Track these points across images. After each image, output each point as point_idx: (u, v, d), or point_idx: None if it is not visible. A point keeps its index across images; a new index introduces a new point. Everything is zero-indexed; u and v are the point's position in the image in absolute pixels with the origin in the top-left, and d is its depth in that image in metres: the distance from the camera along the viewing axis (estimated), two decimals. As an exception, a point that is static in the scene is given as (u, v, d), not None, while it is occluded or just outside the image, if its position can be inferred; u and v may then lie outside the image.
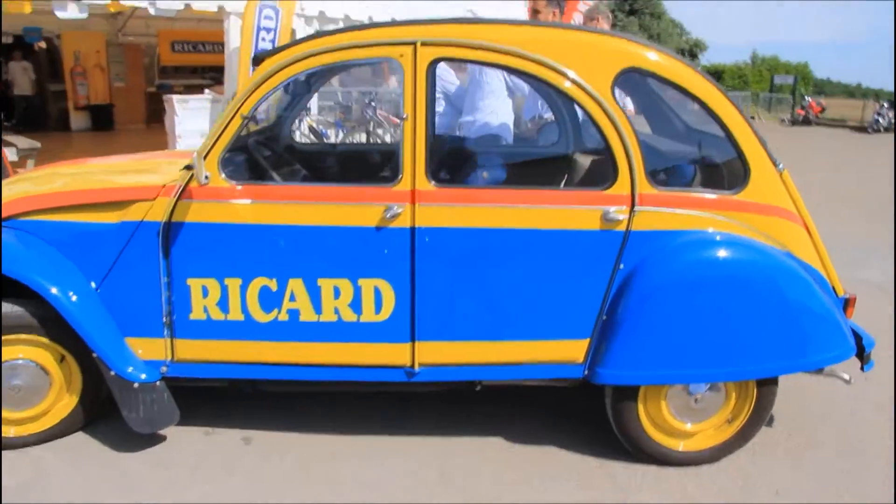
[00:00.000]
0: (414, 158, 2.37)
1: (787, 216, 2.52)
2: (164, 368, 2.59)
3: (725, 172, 2.55)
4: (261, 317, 2.49)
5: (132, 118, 12.97)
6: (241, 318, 2.50)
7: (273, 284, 2.47)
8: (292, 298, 2.47)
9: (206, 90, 9.45)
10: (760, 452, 2.72)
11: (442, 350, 2.49)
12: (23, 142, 7.37)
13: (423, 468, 2.61)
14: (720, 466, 2.63)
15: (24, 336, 2.54)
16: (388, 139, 9.13)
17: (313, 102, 9.12)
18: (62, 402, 2.68)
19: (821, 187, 8.96)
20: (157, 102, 13.65)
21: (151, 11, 7.20)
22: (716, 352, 2.42)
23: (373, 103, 9.10)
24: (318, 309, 2.47)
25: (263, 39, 8.08)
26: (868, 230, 6.69)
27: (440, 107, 3.86)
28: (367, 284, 2.45)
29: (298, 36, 8.94)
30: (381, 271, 2.44)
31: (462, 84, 4.33)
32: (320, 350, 2.51)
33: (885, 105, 20.38)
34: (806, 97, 24.98)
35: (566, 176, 3.32)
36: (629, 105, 4.00)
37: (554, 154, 3.48)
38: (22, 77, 12.36)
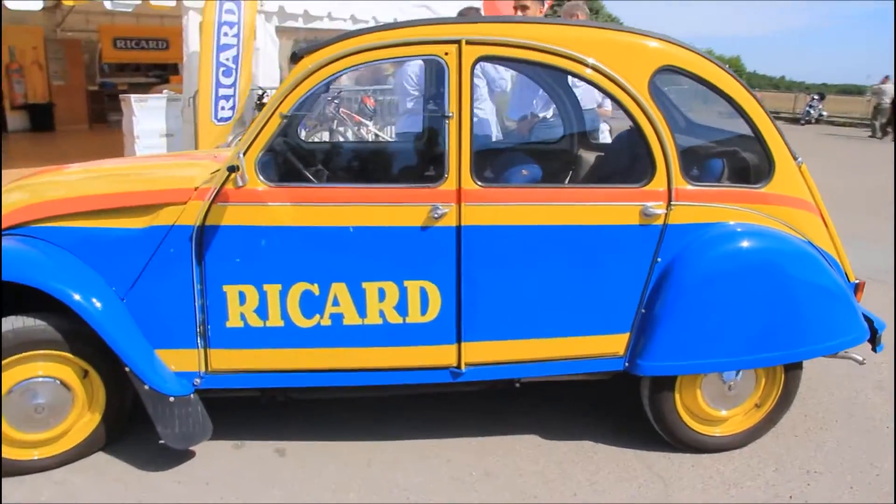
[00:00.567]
0: (459, 158, 2.36)
1: (807, 207, 2.64)
2: (197, 380, 2.49)
3: (751, 167, 2.64)
4: (302, 322, 2.43)
5: (74, 118, 12.34)
6: (281, 324, 2.43)
7: (315, 289, 2.41)
8: (335, 303, 2.42)
9: (165, 90, 9.10)
10: (783, 435, 2.84)
11: (488, 349, 2.49)
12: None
13: (466, 469, 2.60)
14: (750, 450, 2.73)
15: (42, 352, 2.39)
16: (350, 136, 9.04)
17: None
18: (83, 420, 2.53)
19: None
20: (100, 102, 13.07)
21: (108, 6, 6.87)
22: (750, 339, 2.51)
23: (336, 101, 8.98)
24: (362, 312, 2.43)
25: (226, 34, 7.84)
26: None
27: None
28: (413, 286, 2.42)
29: (260, 33, 8.73)
30: (426, 272, 2.42)
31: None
32: (364, 354, 2.47)
33: (816, 97, 21.50)
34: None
35: (571, 171, 3.39)
36: (606, 105, 4.11)
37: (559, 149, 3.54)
38: (-50, 75, 11.58)
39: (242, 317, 2.43)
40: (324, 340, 2.45)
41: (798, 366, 2.66)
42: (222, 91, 7.66)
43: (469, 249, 2.40)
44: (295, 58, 2.36)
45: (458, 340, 2.47)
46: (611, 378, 2.72)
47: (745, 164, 2.66)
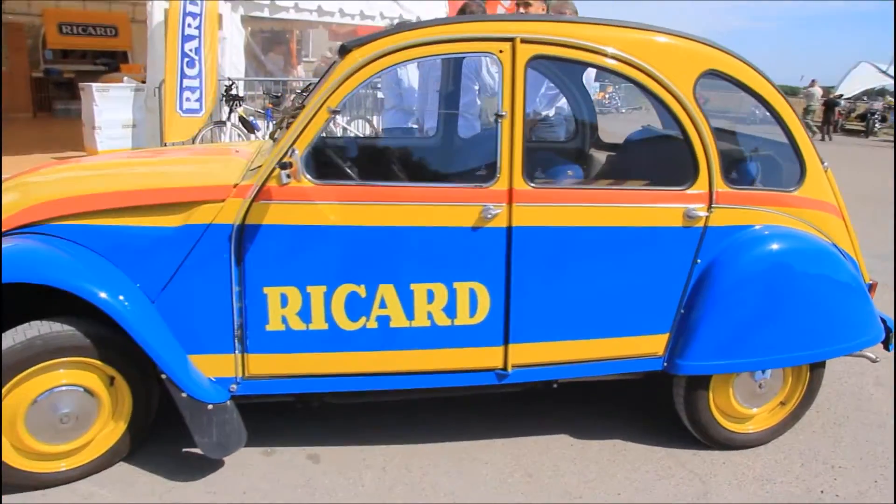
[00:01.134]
0: (511, 158, 2.33)
1: (832, 210, 2.73)
2: (233, 386, 2.38)
3: (783, 171, 2.71)
4: (347, 325, 2.35)
5: (17, 106, 11.66)
6: (325, 327, 2.34)
7: (362, 290, 2.33)
8: (382, 305, 2.35)
9: (126, 78, 8.69)
10: (801, 431, 2.93)
11: (533, 351, 2.48)
12: None
13: (506, 471, 2.58)
14: (775, 447, 2.81)
15: (68, 359, 2.23)
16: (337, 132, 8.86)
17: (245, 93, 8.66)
18: (107, 429, 2.38)
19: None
20: (44, 90, 12.39)
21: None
22: (784, 338, 2.58)
23: (304, 94, 8.79)
24: (410, 314, 2.37)
25: (189, 25, 7.58)
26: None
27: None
28: (463, 287, 2.38)
29: (226, 22, 8.45)
30: (476, 273, 2.38)
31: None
32: (410, 357, 2.41)
33: None
34: None
35: (584, 171, 3.40)
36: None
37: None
38: None
39: (284, 320, 2.33)
40: (369, 343, 2.38)
41: (822, 364, 2.76)
42: (187, 82, 7.40)
43: (519, 250, 2.38)
44: (344, 51, 2.27)
45: (506, 342, 2.44)
46: (639, 378, 2.75)
47: (779, 168, 2.73)
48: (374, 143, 2.99)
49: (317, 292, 2.32)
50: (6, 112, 11.45)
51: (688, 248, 2.52)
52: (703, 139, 2.47)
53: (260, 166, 2.30)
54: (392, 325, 2.37)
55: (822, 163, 2.71)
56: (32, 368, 2.18)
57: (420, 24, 2.31)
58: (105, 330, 2.26)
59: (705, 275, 2.54)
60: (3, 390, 2.16)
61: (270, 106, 8.76)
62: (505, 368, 2.47)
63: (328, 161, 2.55)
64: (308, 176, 2.26)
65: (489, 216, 2.33)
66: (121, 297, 2.20)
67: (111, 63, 12.91)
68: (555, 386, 2.68)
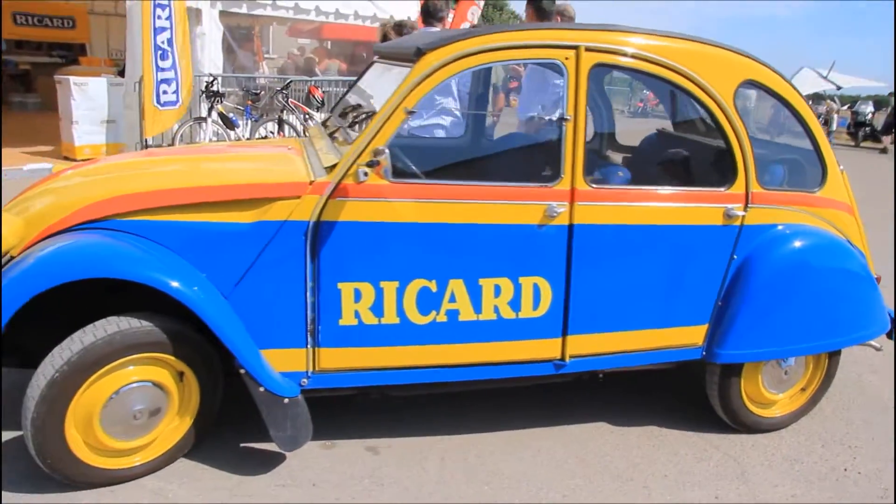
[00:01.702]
0: (573, 159, 2.46)
1: (847, 209, 2.97)
2: (304, 380, 2.42)
3: (807, 174, 2.93)
4: (418, 319, 2.43)
5: (-30, 98, 11.10)
6: (397, 321, 2.42)
7: (433, 286, 2.42)
8: (452, 299, 2.44)
9: (102, 73, 8.43)
10: (814, 416, 3.16)
11: (588, 342, 2.61)
12: None
13: (560, 456, 2.70)
14: (795, 430, 3.02)
15: (139, 356, 2.23)
16: (298, 127, 8.81)
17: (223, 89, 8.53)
18: (174, 424, 2.39)
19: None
20: (-3, 81, 11.81)
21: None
22: (811, 328, 2.80)
23: (284, 91, 8.74)
24: (477, 308, 2.46)
25: (160, 17, 7.44)
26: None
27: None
28: (527, 282, 2.49)
29: (204, 18, 8.31)
30: (539, 268, 2.49)
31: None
32: (476, 350, 2.51)
33: None
34: (645, 90, 27.45)
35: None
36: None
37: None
38: None
39: (357, 314, 2.39)
40: (438, 337, 2.46)
41: (839, 352, 2.99)
42: (161, 75, 7.28)
43: (579, 247, 2.50)
44: (419, 53, 2.35)
45: (564, 334, 2.57)
46: (672, 367, 2.92)
47: (803, 170, 2.95)
48: (439, 143, 3.06)
49: (389, 287, 2.39)
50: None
51: (726, 244, 2.71)
52: (742, 143, 2.66)
53: (335, 164, 2.35)
54: (460, 318, 2.46)
55: (839, 166, 2.94)
56: (111, 364, 2.17)
57: (491, 30, 2.40)
58: (179, 325, 2.27)
59: (741, 270, 2.73)
60: (81, 388, 2.15)
61: (250, 103, 8.68)
62: (563, 359, 2.59)
63: (401, 160, 2.62)
64: (384, 174, 2.33)
65: (553, 214, 2.45)
66: (200, 292, 2.22)
67: (68, 56, 12.46)
68: (600, 377, 2.82)
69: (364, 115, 2.50)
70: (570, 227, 2.49)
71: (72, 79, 7.23)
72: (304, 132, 8.79)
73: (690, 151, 3.36)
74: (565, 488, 2.52)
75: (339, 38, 13.51)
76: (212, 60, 8.33)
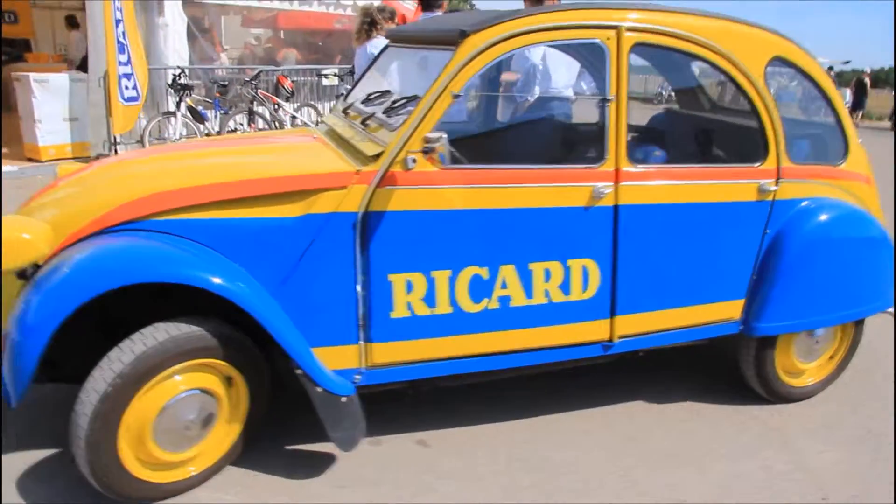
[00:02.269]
0: (617, 140, 2.44)
1: (867, 181, 3.05)
2: (357, 377, 2.35)
3: (829, 148, 2.99)
4: (470, 307, 2.38)
5: None
6: (450, 310, 2.36)
7: (485, 272, 2.37)
8: (503, 285, 2.40)
9: (63, 70, 8.02)
10: (837, 383, 3.24)
11: (635, 322, 2.61)
12: None
13: (607, 437, 2.70)
14: (824, 398, 3.10)
15: (185, 364, 2.11)
16: (267, 116, 8.60)
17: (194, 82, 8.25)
18: (223, 432, 2.29)
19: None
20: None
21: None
22: (840, 298, 2.86)
23: (254, 82, 8.50)
24: (529, 293, 2.43)
25: (119, 10, 7.12)
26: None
27: None
28: (576, 264, 2.47)
29: (168, 10, 7.99)
30: (587, 250, 2.47)
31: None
32: (527, 335, 2.47)
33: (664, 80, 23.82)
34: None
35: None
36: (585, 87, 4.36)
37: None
38: None
39: (409, 306, 2.32)
40: (490, 324, 2.42)
41: (862, 321, 3.07)
42: (122, 69, 6.99)
43: (624, 227, 2.49)
44: (463, 35, 2.28)
45: (612, 314, 2.56)
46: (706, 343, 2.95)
47: (826, 145, 3.00)
48: (480, 129, 2.99)
49: (441, 277, 2.33)
50: None
51: (760, 219, 2.74)
52: (773, 119, 2.68)
53: (379, 153, 2.27)
54: (512, 304, 2.42)
55: (859, 139, 3.01)
56: (164, 373, 2.06)
57: (534, 11, 2.35)
58: (228, 329, 2.17)
59: (774, 244, 2.77)
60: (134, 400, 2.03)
61: (218, 95, 8.40)
62: (611, 340, 2.59)
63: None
64: (447, 160, 2.26)
65: (600, 195, 2.42)
66: (255, 293, 2.12)
67: (11, 52, 11.82)
68: (640, 354, 2.82)
69: (403, 101, 2.42)
70: (616, 207, 2.47)
71: (32, 76, 6.84)
72: (273, 123, 8.58)
73: (701, 128, 3.39)
74: (620, 469, 2.52)
75: (294, 28, 13.23)
76: (176, 52, 8.03)
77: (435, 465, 2.49)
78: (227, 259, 2.18)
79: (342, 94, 9.60)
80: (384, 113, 2.52)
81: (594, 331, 2.56)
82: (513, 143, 3.08)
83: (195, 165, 2.47)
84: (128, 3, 6.94)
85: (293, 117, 8.93)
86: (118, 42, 6.78)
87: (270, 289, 2.23)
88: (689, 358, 3.33)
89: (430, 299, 2.34)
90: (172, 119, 7.62)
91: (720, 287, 2.74)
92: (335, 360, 2.32)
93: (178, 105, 7.61)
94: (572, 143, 2.98)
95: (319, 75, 9.50)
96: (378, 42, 4.76)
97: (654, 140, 3.47)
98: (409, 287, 2.32)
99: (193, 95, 7.89)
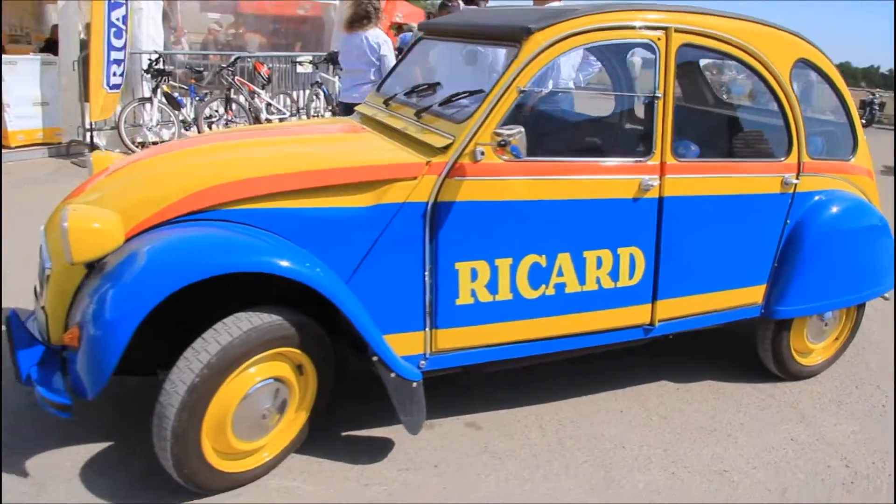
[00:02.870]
0: (663, 135, 2.57)
1: (870, 174, 3.29)
2: (422, 363, 2.42)
3: (841, 145, 3.21)
4: (529, 294, 2.48)
5: None
6: (510, 297, 2.46)
7: (543, 260, 2.47)
8: (559, 273, 2.51)
9: (32, 51, 7.66)
10: (839, 362, 3.49)
11: (673, 306, 2.76)
12: None
13: (643, 415, 2.86)
14: (828, 376, 3.34)
15: (262, 354, 2.13)
16: (244, 103, 8.44)
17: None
18: (291, 419, 2.33)
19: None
20: None
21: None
22: (850, 283, 3.09)
23: (231, 69, 8.33)
24: (581, 280, 2.55)
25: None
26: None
27: None
28: (625, 252, 2.59)
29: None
30: (635, 239, 2.61)
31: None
32: (579, 320, 2.59)
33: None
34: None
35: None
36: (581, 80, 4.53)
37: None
38: None
39: (473, 293, 2.41)
40: (546, 309, 2.52)
41: (863, 304, 3.32)
42: (114, 55, 6.76)
43: (668, 218, 2.63)
44: (528, 32, 2.36)
45: (654, 299, 2.71)
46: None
47: (838, 142, 3.22)
48: (541, 121, 3.05)
49: (504, 264, 2.42)
50: None
51: (782, 210, 2.93)
52: (796, 116, 2.87)
53: (449, 144, 2.33)
54: (566, 290, 2.53)
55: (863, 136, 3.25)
56: (247, 363, 2.08)
57: (594, 10, 2.45)
58: (303, 317, 2.21)
59: (793, 233, 2.97)
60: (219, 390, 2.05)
61: (193, 81, 8.20)
62: (652, 323, 2.73)
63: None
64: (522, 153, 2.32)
65: (648, 188, 2.56)
66: (331, 281, 2.16)
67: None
68: (670, 337, 2.98)
69: (465, 95, 2.49)
70: (660, 199, 2.61)
71: (3, 57, 6.54)
72: (250, 111, 8.43)
73: (708, 124, 3.57)
74: (664, 443, 2.68)
75: (256, 13, 12.96)
76: (150, 37, 7.78)
77: (490, 446, 2.59)
78: (302, 249, 2.21)
79: (317, 83, 9.58)
80: (440, 105, 2.58)
81: (637, 315, 2.70)
82: (567, 137, 3.19)
83: (263, 155, 2.48)
84: None
85: (268, 104, 8.79)
86: (114, 25, 6.52)
87: (344, 275, 2.27)
88: (700, 342, 3.52)
89: (492, 286, 2.43)
90: (148, 105, 7.42)
91: (746, 273, 2.92)
92: (403, 347, 2.38)
93: (154, 91, 7.40)
94: (626, 136, 3.10)
95: (294, 62, 9.36)
96: (376, 33, 4.78)
97: (687, 135, 3.65)
98: (474, 275, 2.40)
99: (170, 82, 7.68)
